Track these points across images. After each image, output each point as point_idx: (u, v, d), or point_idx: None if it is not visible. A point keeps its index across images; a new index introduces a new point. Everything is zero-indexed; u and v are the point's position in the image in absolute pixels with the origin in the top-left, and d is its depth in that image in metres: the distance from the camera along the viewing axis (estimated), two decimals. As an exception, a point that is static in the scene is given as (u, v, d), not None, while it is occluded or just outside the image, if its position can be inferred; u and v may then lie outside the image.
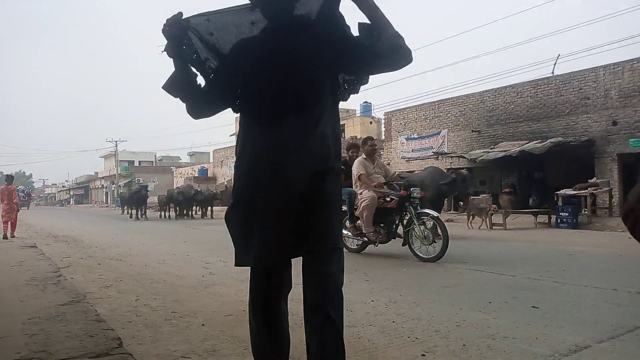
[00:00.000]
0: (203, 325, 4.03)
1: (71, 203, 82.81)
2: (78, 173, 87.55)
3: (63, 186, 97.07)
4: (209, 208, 25.13)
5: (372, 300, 4.83)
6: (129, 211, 26.81)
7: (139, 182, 29.38)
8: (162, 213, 26.02)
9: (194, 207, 25.71)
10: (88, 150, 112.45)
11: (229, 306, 4.72)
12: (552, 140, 16.12)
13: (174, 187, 31.48)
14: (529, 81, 18.80)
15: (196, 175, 42.35)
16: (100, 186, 70.82)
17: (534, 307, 4.45)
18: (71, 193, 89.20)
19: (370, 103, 38.61)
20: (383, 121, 26.71)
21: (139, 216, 24.66)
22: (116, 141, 56.51)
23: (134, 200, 25.20)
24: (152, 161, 69.04)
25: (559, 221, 14.02)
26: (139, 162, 67.13)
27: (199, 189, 26.39)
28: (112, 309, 4.64)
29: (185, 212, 25.31)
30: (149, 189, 26.80)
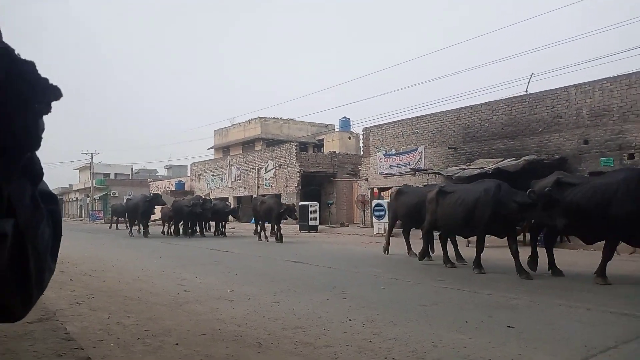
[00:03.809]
0: (177, 344, 3.96)
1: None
2: (51, 186, 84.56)
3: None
4: (221, 223, 21.15)
5: (350, 319, 4.81)
6: (126, 225, 22.92)
7: (130, 194, 25.79)
8: (167, 229, 21.93)
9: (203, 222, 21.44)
10: (62, 163, 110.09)
11: (204, 324, 4.65)
12: (526, 158, 16.39)
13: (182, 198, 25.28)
14: (504, 99, 19.15)
15: (173, 188, 41.83)
16: (74, 199, 69.35)
17: (509, 326, 4.48)
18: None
19: (349, 118, 38.94)
20: (361, 137, 26.87)
21: (142, 232, 20.72)
22: (92, 153, 55.49)
23: (137, 213, 20.83)
24: (129, 174, 68.00)
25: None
26: (115, 174, 66.07)
27: (209, 199, 22.38)
28: (83, 327, 4.52)
29: (192, 227, 20.89)
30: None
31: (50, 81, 0.67)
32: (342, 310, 5.23)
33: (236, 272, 8.52)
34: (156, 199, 21.01)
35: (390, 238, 11.87)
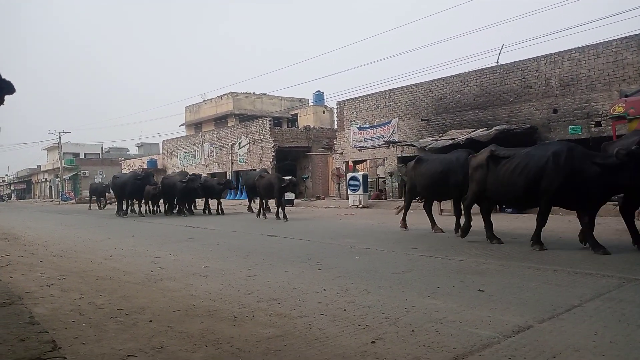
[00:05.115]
0: (151, 321, 3.93)
1: (12, 198, 78.82)
2: (19, 167, 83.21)
3: (3, 181, 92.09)
4: (207, 200, 19.55)
5: (324, 289, 4.85)
6: (99, 205, 22.29)
7: (101, 173, 25.18)
8: (156, 207, 20.39)
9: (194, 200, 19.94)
10: (29, 143, 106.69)
11: (179, 301, 4.62)
12: (497, 127, 16.62)
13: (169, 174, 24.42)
14: (475, 70, 19.26)
15: (145, 167, 41.10)
16: (43, 180, 67.66)
17: (480, 290, 4.59)
18: (12, 188, 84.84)
19: (323, 92, 38.68)
20: (335, 110, 26.77)
21: (122, 211, 19.30)
22: (59, 133, 53.80)
23: (124, 192, 19.29)
24: (99, 153, 66.48)
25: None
26: (85, 154, 64.53)
27: (195, 175, 19.91)
28: (54, 309, 4.44)
29: (184, 205, 19.14)
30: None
31: (4, 76, 0.62)
32: (317, 281, 5.27)
33: (211, 248, 8.48)
34: (148, 178, 19.38)
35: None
